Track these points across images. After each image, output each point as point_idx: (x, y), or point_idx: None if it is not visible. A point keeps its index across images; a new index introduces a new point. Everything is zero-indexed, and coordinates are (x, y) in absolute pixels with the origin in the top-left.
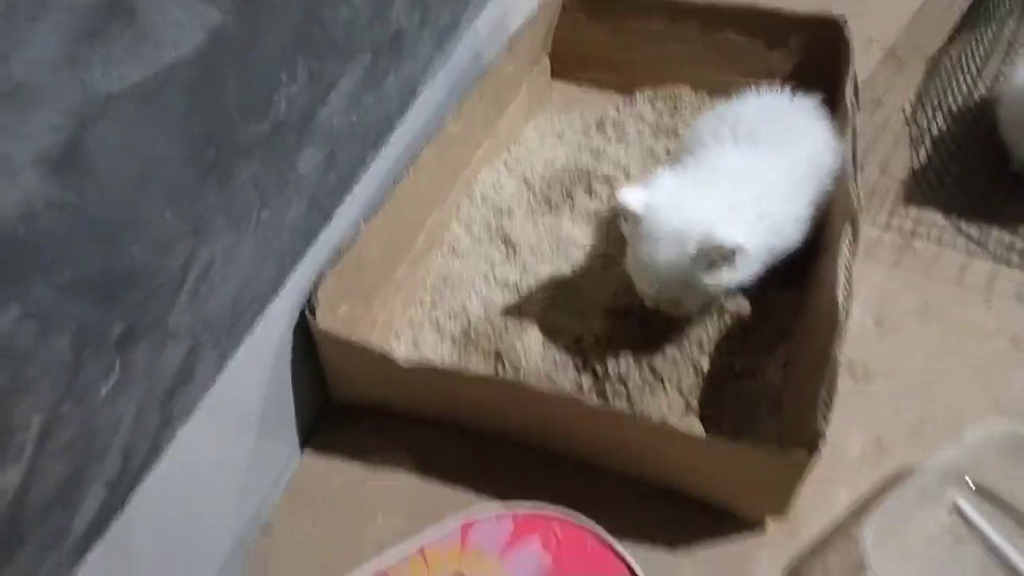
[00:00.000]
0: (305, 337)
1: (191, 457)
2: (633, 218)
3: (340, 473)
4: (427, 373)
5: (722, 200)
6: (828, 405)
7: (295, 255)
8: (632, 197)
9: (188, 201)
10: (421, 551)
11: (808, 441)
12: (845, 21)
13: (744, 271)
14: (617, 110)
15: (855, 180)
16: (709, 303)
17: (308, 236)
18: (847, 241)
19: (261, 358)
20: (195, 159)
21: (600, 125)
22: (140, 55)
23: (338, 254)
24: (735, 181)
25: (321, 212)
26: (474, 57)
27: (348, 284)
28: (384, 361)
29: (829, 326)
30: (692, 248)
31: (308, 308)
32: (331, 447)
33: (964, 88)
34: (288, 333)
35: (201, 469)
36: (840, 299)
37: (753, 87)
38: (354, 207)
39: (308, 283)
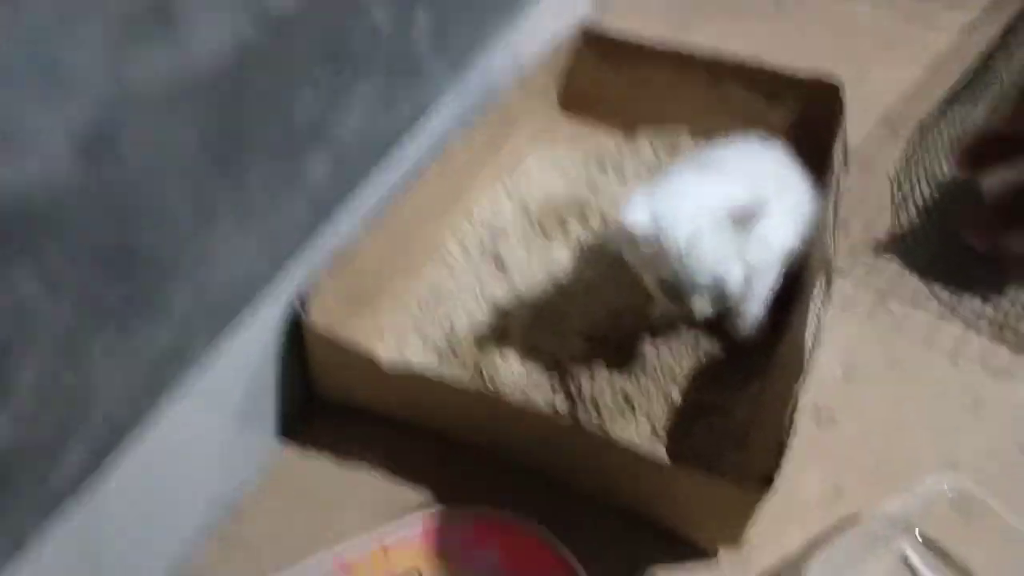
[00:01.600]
0: (295, 333)
1: (172, 434)
2: (646, 233)
3: (315, 467)
4: (410, 378)
5: (720, 184)
6: (785, 443)
7: (293, 254)
8: (638, 213)
9: (201, 193)
10: (383, 545)
11: (763, 476)
12: (842, 84)
13: (767, 269)
14: (618, 148)
15: (833, 233)
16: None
17: (308, 236)
18: (820, 289)
19: (250, 348)
20: (212, 157)
21: (600, 161)
22: (175, 59)
23: (336, 257)
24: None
25: (323, 216)
26: (486, 87)
27: (342, 287)
28: (370, 363)
29: (795, 370)
30: (722, 217)
31: (300, 305)
32: (309, 441)
33: (950, 158)
34: (279, 327)
35: (181, 447)
36: (807, 345)
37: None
38: (355, 215)
39: (303, 280)
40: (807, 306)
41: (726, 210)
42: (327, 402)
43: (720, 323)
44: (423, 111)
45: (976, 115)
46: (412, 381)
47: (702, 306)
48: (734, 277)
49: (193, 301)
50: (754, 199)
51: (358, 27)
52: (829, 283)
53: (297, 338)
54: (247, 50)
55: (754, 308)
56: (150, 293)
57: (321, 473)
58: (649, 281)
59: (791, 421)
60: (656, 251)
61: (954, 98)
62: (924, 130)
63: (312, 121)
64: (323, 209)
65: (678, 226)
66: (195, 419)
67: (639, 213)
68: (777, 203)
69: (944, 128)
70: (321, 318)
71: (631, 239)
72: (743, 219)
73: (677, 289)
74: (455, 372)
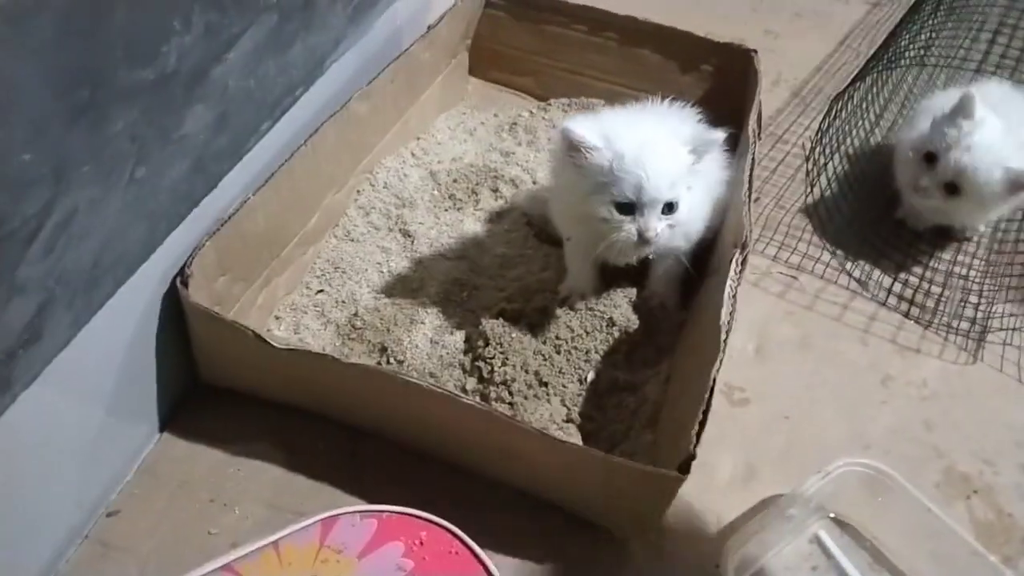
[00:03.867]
0: (175, 309)
1: (31, 425)
2: (596, 144)
3: (200, 458)
4: (302, 358)
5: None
6: (701, 429)
7: (172, 219)
8: (583, 128)
9: (52, 143)
10: (276, 545)
11: (680, 464)
12: (756, 53)
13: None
14: (531, 114)
15: (748, 207)
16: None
17: (189, 201)
18: (735, 267)
19: (122, 326)
20: (65, 97)
21: (512, 127)
22: None
23: (220, 224)
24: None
25: (206, 177)
26: (390, 40)
27: (228, 257)
28: (257, 342)
29: (711, 349)
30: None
31: (180, 278)
32: (194, 430)
33: (862, 132)
34: (156, 302)
35: (41, 440)
36: (724, 324)
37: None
38: (244, 176)
39: (184, 251)
40: (723, 284)
41: (679, 135)
42: (214, 388)
43: (639, 277)
44: (320, 64)
45: (887, 89)
46: (306, 361)
47: (654, 225)
48: (685, 197)
49: (49, 273)
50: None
51: None
52: (744, 259)
53: (178, 316)
54: None
55: (680, 250)
56: None
57: (208, 465)
58: (599, 207)
59: (708, 407)
60: (611, 163)
61: (864, 72)
62: (835, 103)
63: (189, 67)
64: (206, 169)
65: (631, 139)
66: (59, 410)
67: (586, 127)
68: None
69: (855, 102)
70: (204, 294)
71: (580, 150)
72: (699, 146)
73: (630, 205)
74: (358, 355)
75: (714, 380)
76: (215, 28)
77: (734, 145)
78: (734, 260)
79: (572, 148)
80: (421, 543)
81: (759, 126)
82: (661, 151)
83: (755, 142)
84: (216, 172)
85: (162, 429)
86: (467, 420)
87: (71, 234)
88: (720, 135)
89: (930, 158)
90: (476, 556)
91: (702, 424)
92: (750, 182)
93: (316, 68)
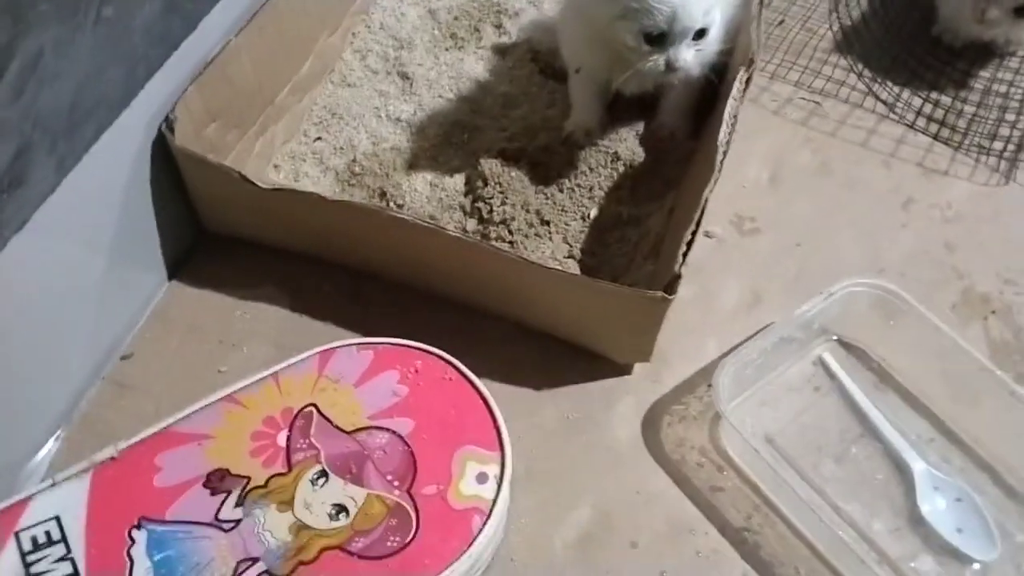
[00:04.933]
0: (167, 157)
1: (29, 270)
2: None
3: (208, 302)
4: (288, 197)
5: None
6: (687, 249)
7: (151, 62)
8: None
9: None
10: (275, 376)
11: (666, 285)
12: None
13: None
14: None
15: (758, 22)
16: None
17: (167, 43)
18: (738, 85)
19: (112, 174)
20: None
21: None
22: None
23: (203, 67)
24: None
25: (183, 17)
26: None
27: (216, 102)
28: (243, 183)
29: (706, 174)
30: None
31: (166, 123)
32: (201, 277)
33: None
34: (146, 150)
35: (43, 286)
36: (721, 143)
37: None
38: (226, 18)
39: (169, 97)
40: (723, 108)
41: None
42: (219, 236)
43: (646, 109)
44: None
45: None
46: (294, 202)
47: (684, 55)
48: (717, 20)
49: (23, 115)
50: None
51: None
52: (749, 79)
53: (171, 165)
54: None
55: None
56: None
57: (216, 309)
58: (626, 34)
59: (697, 227)
60: None
61: None
62: None
63: None
64: (181, 9)
65: None
66: (55, 257)
67: None
68: None
69: None
70: (194, 140)
71: None
72: None
73: (663, 37)
74: (356, 198)
75: (706, 200)
76: None
77: None
78: (738, 79)
79: None
80: (416, 371)
81: None
82: None
83: None
84: (193, 12)
85: (171, 277)
86: (468, 258)
87: (40, 76)
88: None
89: None
90: (469, 380)
91: (689, 245)
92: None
93: None
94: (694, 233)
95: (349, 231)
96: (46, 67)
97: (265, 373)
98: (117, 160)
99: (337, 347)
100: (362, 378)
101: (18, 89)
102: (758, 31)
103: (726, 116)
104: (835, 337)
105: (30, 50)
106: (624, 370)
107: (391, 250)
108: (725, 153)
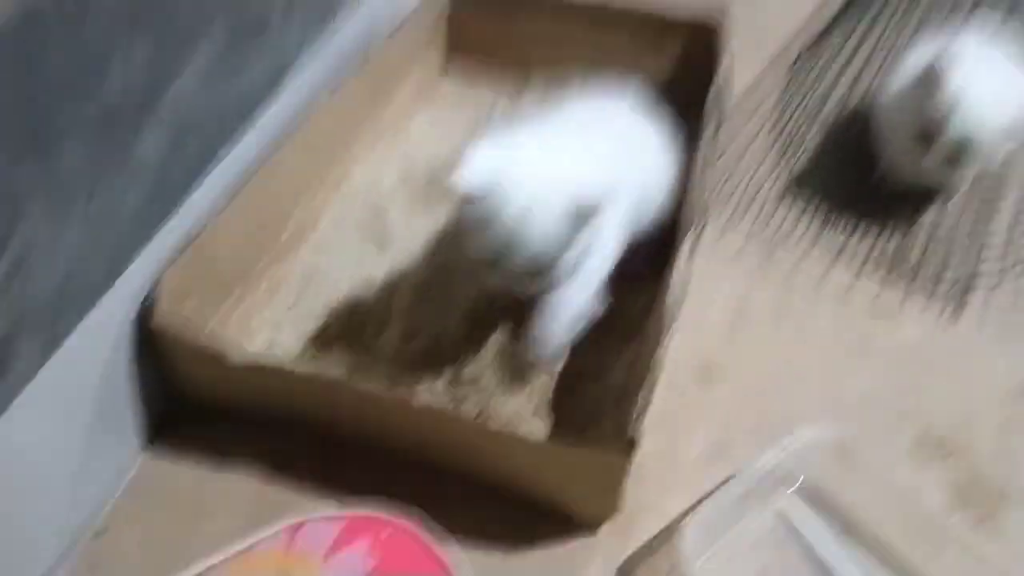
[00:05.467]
0: (147, 333)
1: (5, 459)
2: (477, 194)
3: (183, 473)
4: (259, 372)
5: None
6: (645, 402)
7: (135, 245)
8: (476, 172)
9: (3, 181)
10: (245, 552)
11: (622, 447)
12: (721, 26)
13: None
14: (504, 109)
15: (702, 182)
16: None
17: (150, 226)
18: (688, 245)
19: (92, 353)
20: (9, 138)
21: (487, 124)
22: None
23: (188, 246)
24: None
25: (166, 202)
26: (355, 45)
27: (194, 278)
28: (218, 360)
29: (663, 326)
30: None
31: (145, 303)
32: (176, 447)
33: (835, 96)
34: (126, 326)
35: (19, 471)
36: (669, 301)
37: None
38: (208, 197)
39: (151, 275)
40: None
41: (566, 198)
42: (192, 404)
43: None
44: (281, 74)
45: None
46: (264, 375)
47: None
48: (556, 264)
49: (9, 311)
50: (598, 191)
51: None
52: (700, 233)
53: (150, 340)
54: (33, 15)
55: (576, 296)
56: None
57: (190, 479)
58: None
59: (654, 379)
60: (485, 216)
61: (827, 30)
62: (801, 65)
63: (135, 96)
64: (164, 194)
65: (512, 200)
66: (35, 440)
67: (476, 171)
68: (626, 183)
69: (825, 64)
70: (174, 315)
71: (464, 195)
72: (582, 214)
73: (497, 261)
74: (334, 362)
75: (660, 357)
76: (157, 56)
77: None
78: (688, 238)
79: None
80: (383, 541)
81: (723, 103)
82: (536, 215)
83: (720, 120)
84: (176, 195)
85: (147, 448)
86: (435, 423)
87: (29, 272)
88: (600, 201)
89: (925, 137)
90: (435, 555)
91: (644, 399)
92: (707, 161)
93: (277, 78)
94: (652, 385)
95: (319, 401)
96: (35, 263)
97: (237, 549)
98: (97, 341)
99: (308, 518)
100: (331, 550)
101: (5, 288)
102: (703, 192)
103: (676, 271)
104: (795, 487)
105: (19, 247)
106: (592, 528)
107: (361, 418)
108: (679, 307)
